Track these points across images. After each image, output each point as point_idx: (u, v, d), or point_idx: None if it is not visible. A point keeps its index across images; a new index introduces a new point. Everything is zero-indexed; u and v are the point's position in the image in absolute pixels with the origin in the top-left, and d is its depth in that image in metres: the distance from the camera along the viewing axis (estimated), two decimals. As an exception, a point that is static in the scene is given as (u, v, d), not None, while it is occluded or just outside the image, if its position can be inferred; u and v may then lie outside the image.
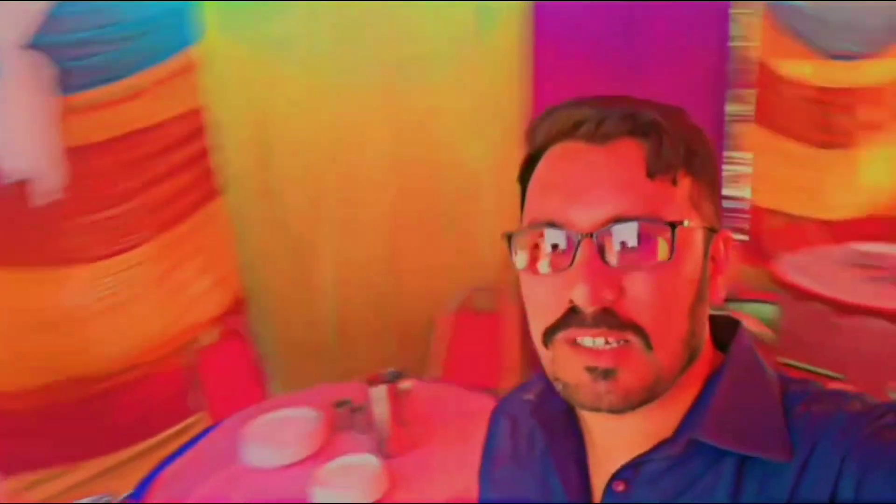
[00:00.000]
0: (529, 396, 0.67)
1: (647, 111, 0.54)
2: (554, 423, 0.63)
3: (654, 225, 0.51)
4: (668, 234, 0.51)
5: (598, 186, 0.52)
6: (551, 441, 0.63)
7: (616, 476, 0.57)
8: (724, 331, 0.60)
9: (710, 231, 0.56)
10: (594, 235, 0.51)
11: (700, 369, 0.57)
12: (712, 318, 0.61)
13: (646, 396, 0.53)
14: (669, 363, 0.53)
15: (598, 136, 0.54)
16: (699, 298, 0.55)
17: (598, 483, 0.59)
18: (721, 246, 0.58)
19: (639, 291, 0.51)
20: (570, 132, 0.55)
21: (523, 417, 0.69)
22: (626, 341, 0.51)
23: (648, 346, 0.52)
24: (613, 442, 0.58)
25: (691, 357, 0.55)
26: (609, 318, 0.51)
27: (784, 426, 0.53)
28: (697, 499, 0.53)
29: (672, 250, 0.51)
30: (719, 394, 0.55)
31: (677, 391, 0.55)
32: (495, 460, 0.73)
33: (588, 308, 0.51)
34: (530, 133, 0.59)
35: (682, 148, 0.54)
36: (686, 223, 0.52)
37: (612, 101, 0.56)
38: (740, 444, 0.53)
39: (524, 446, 0.68)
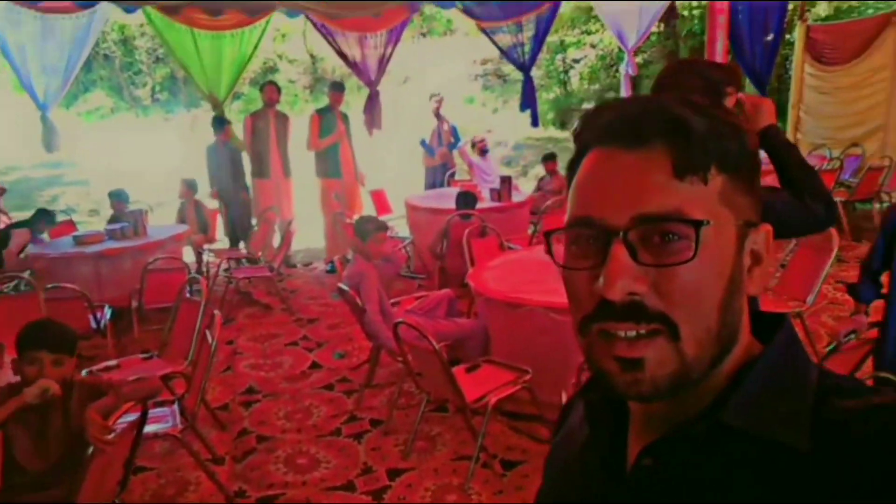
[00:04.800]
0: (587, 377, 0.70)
1: (679, 110, 0.56)
2: (601, 402, 0.66)
3: (679, 224, 0.54)
4: (693, 233, 0.54)
5: (628, 188, 0.55)
6: (595, 419, 0.66)
7: (645, 451, 0.59)
8: (773, 323, 0.61)
9: (747, 225, 0.58)
10: (624, 233, 0.54)
11: (737, 358, 0.59)
12: (761, 313, 0.62)
13: (674, 386, 0.55)
14: (697, 354, 0.55)
15: (630, 139, 0.56)
16: (731, 291, 0.56)
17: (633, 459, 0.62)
18: (760, 238, 0.60)
19: (667, 287, 0.54)
20: (605, 136, 0.58)
21: (578, 398, 0.72)
22: (655, 332, 0.54)
23: (676, 336, 0.54)
24: (650, 421, 0.61)
25: (723, 348, 0.57)
26: (638, 311, 0.54)
27: (809, 416, 0.54)
28: (720, 479, 0.55)
29: (696, 249, 0.54)
30: (750, 381, 0.56)
31: (713, 378, 0.57)
32: (557, 440, 0.77)
33: (618, 302, 0.54)
34: (575, 134, 0.62)
35: (714, 146, 0.56)
36: (709, 222, 0.54)
37: (649, 101, 0.59)
38: (761, 429, 0.54)
39: (576, 424, 0.71)
